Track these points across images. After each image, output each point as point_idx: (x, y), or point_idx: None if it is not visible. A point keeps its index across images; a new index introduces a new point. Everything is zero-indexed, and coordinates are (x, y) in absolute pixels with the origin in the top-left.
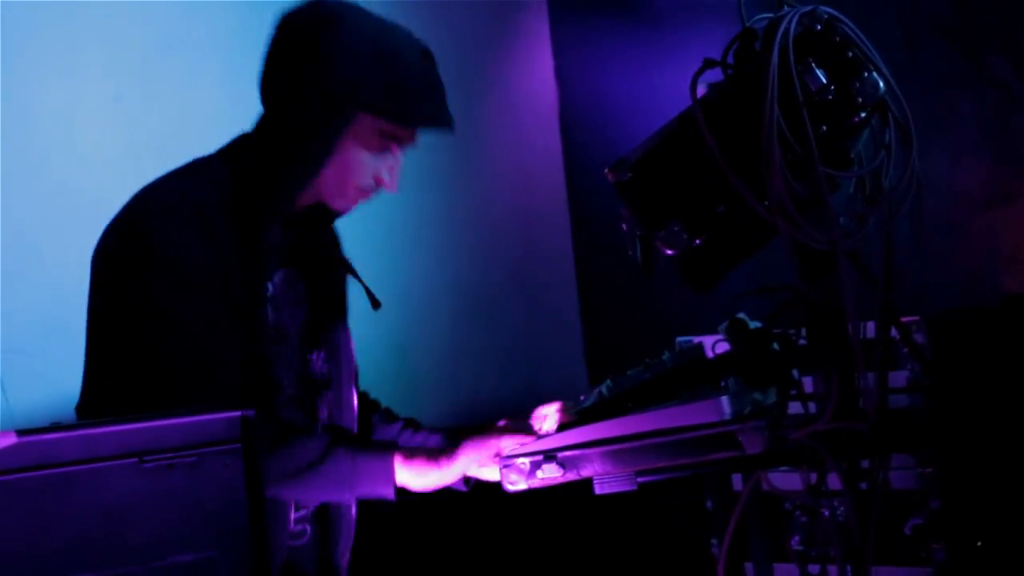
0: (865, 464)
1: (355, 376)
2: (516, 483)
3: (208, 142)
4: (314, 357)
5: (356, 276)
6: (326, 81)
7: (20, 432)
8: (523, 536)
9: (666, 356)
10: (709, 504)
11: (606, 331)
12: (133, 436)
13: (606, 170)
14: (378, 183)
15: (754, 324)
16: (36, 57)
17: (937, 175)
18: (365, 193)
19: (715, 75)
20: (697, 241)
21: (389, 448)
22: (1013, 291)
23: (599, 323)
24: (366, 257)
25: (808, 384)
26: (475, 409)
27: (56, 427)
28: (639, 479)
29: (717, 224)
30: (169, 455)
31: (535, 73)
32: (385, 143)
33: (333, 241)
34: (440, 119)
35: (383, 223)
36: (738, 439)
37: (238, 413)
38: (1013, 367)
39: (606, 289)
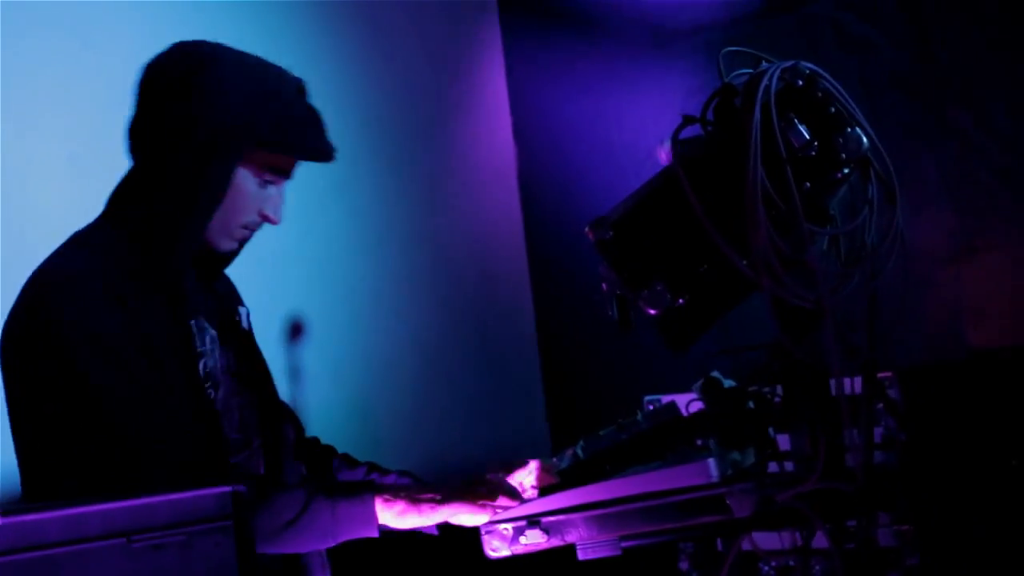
0: (850, 523)
1: (284, 415)
2: (499, 550)
3: None
4: (243, 400)
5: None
6: (213, 119)
7: (2, 512)
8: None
9: (640, 416)
10: (683, 565)
11: (568, 389)
12: (120, 515)
13: (586, 228)
14: (263, 219)
15: (728, 383)
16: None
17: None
18: (249, 231)
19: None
20: (680, 301)
21: (368, 490)
22: (978, 345)
23: (560, 381)
24: (326, 316)
25: (783, 442)
26: (438, 468)
27: (39, 506)
28: (623, 544)
29: (700, 283)
30: (158, 534)
31: (493, 129)
32: (268, 177)
33: (231, 291)
34: (325, 147)
35: (341, 283)
36: (726, 502)
37: (228, 488)
38: (982, 421)
39: (567, 347)
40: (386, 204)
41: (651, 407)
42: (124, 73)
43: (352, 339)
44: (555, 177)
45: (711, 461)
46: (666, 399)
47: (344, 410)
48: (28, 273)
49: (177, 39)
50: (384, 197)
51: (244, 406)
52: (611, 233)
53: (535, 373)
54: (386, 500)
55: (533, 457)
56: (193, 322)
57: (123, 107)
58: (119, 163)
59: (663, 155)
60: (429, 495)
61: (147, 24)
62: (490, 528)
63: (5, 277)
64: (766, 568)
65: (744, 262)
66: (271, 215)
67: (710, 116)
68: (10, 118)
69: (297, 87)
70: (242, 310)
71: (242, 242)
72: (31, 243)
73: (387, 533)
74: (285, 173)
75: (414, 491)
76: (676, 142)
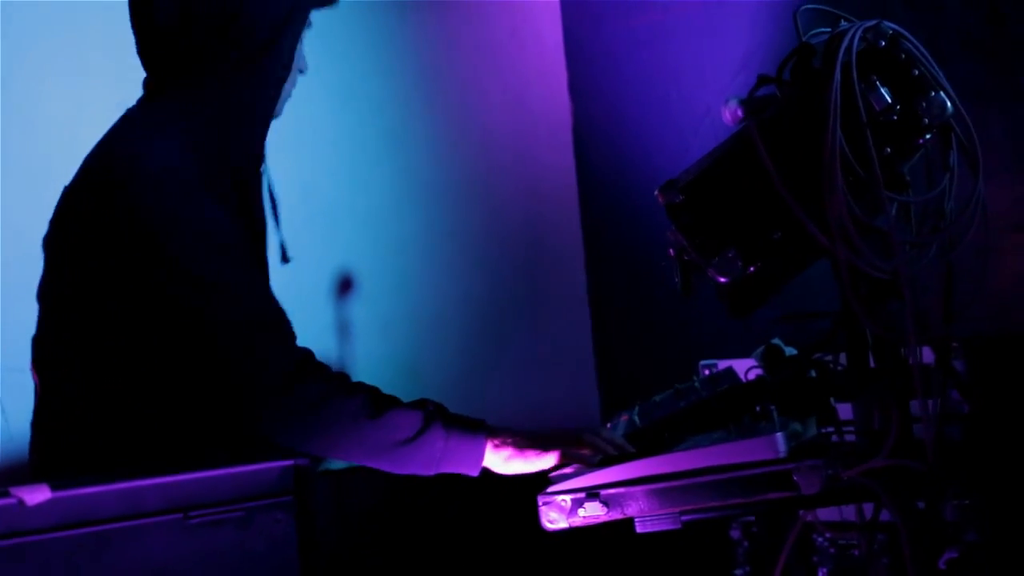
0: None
1: None
2: (556, 521)
3: None
4: None
5: (277, 221)
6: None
7: (54, 486)
8: (528, 550)
9: (696, 382)
10: (735, 534)
11: (618, 350)
12: (177, 489)
13: (656, 191)
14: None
15: (789, 350)
16: (38, 59)
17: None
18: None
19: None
20: (751, 269)
21: (483, 431)
22: None
23: (611, 342)
24: (375, 272)
25: (843, 412)
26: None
27: (93, 479)
28: (683, 518)
29: (772, 251)
30: (216, 510)
31: (548, 84)
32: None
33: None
34: None
35: (392, 238)
36: (793, 479)
37: (291, 462)
38: None
39: (619, 307)
40: (438, 160)
41: (707, 372)
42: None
43: (401, 295)
44: (610, 134)
45: (779, 435)
46: (722, 365)
47: (392, 366)
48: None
49: None
50: (436, 153)
51: None
52: (681, 197)
53: (586, 335)
54: (496, 445)
55: (582, 421)
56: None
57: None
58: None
59: (727, 115)
60: (535, 442)
61: None
62: (547, 499)
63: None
64: (821, 540)
65: (818, 230)
66: (304, 67)
67: (786, 76)
68: (56, 58)
69: None
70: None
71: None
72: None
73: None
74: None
75: (521, 437)
76: (752, 103)
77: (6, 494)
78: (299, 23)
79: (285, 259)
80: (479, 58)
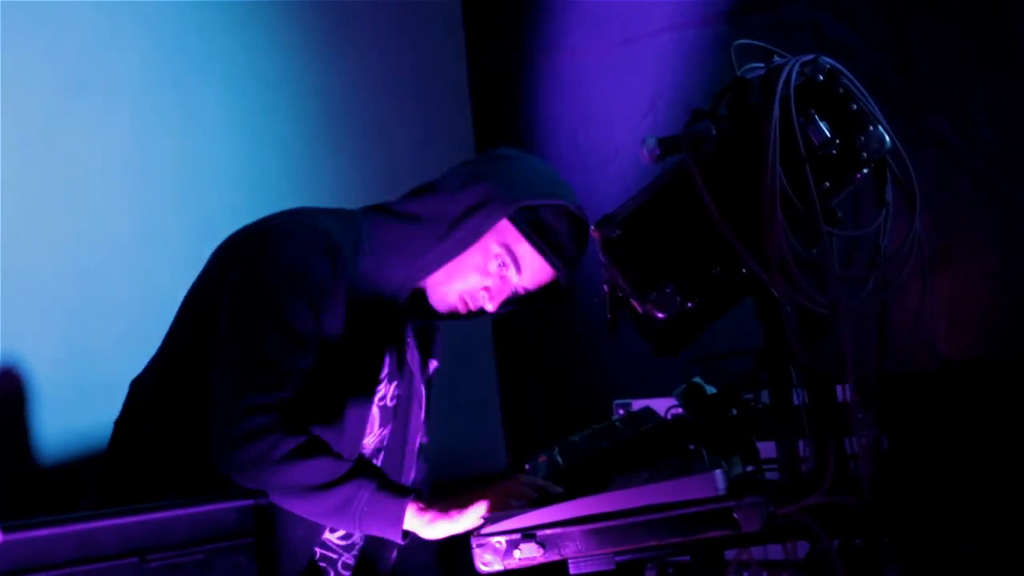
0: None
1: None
2: (491, 564)
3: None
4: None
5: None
6: (496, 181)
7: (6, 528)
8: None
9: (617, 422)
10: (650, 574)
11: (524, 392)
12: (135, 530)
13: (592, 226)
14: (483, 294)
15: (710, 389)
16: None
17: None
18: (466, 303)
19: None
20: (689, 304)
21: (407, 492)
22: (951, 354)
23: (516, 384)
24: None
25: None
26: None
27: (47, 522)
28: (618, 558)
29: (711, 286)
30: (174, 552)
31: (455, 123)
32: (503, 261)
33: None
34: (567, 272)
35: None
36: (734, 516)
37: (250, 502)
38: (957, 432)
39: (523, 348)
40: (345, 201)
41: (621, 412)
42: (83, 52)
43: None
44: None
45: (718, 473)
46: (636, 404)
47: None
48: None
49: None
50: (343, 194)
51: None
52: (619, 231)
53: (491, 376)
54: (420, 508)
55: (489, 464)
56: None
57: (81, 90)
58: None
59: (646, 154)
60: (456, 500)
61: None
62: (482, 541)
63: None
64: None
65: (758, 266)
66: (489, 297)
67: (722, 111)
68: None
69: (577, 206)
70: (432, 362)
71: (452, 313)
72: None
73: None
74: (517, 266)
75: (446, 499)
76: (688, 137)
77: None
78: (488, 222)
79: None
80: (385, 94)
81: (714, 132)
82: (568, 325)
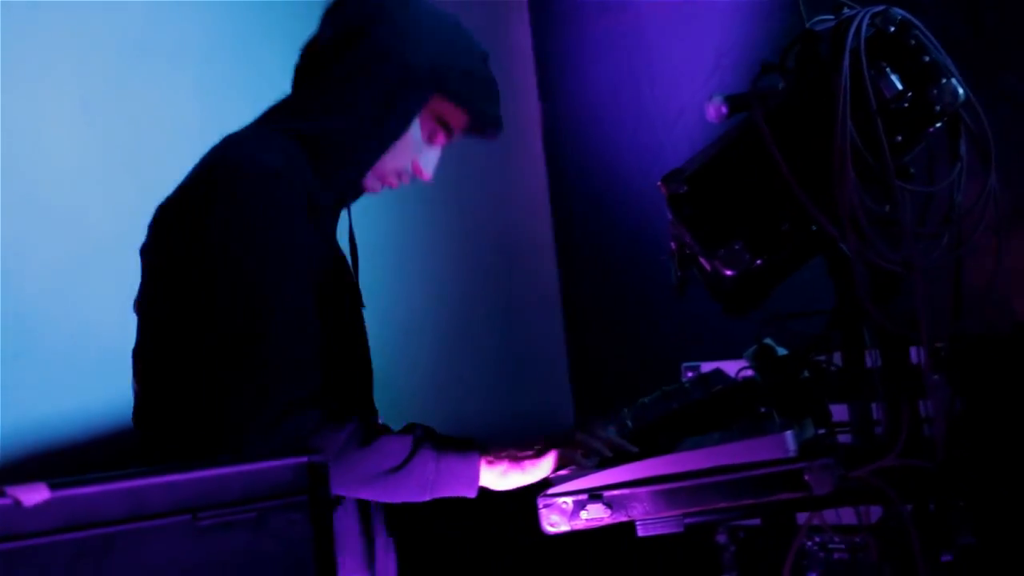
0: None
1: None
2: (557, 524)
3: (179, 148)
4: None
5: (354, 269)
6: (406, 56)
7: (53, 485)
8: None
9: (687, 384)
10: (721, 538)
11: (592, 354)
12: (185, 488)
13: (659, 182)
14: (415, 171)
15: (781, 351)
16: (3, 64)
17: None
18: (399, 180)
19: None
20: (758, 262)
21: (475, 449)
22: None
23: (584, 345)
24: None
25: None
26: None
27: (94, 479)
28: (687, 520)
29: (780, 243)
30: (226, 511)
31: (518, 85)
32: (436, 131)
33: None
34: (498, 118)
35: (362, 243)
36: (805, 479)
37: (304, 459)
38: None
39: (592, 310)
40: None
41: (690, 375)
42: (139, 16)
43: (371, 300)
44: (581, 135)
45: (789, 434)
46: (705, 367)
47: None
48: (31, 215)
49: None
50: None
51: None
52: (686, 187)
53: (559, 339)
54: (489, 461)
55: (556, 426)
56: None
57: (138, 53)
58: (132, 110)
59: (712, 111)
60: (528, 451)
61: None
62: (548, 501)
63: (7, 223)
64: (810, 544)
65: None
66: (424, 169)
67: (790, 65)
68: (21, 60)
69: (482, 54)
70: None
71: (384, 187)
72: (37, 186)
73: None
74: (451, 133)
75: (515, 448)
76: (756, 92)
77: (1, 493)
78: (417, 101)
79: (361, 304)
80: None
81: (782, 86)
82: (637, 286)
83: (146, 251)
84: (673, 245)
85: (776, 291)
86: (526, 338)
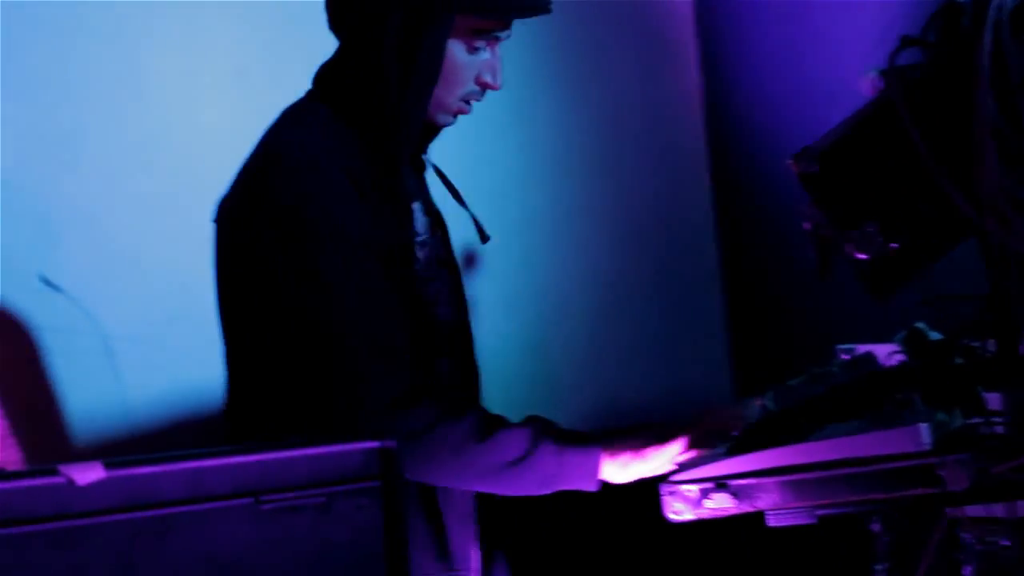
0: None
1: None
2: (681, 513)
3: None
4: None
5: (464, 204)
6: None
7: (108, 464)
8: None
9: (835, 366)
10: (875, 527)
11: (753, 334)
12: (248, 470)
13: (789, 160)
14: (483, 86)
15: (934, 335)
16: (156, 30)
17: None
18: (468, 101)
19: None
20: (893, 245)
21: (593, 441)
22: None
23: (745, 325)
24: (500, 248)
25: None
26: (614, 412)
27: (152, 459)
28: (818, 512)
29: (916, 226)
30: (292, 494)
31: (677, 55)
32: (477, 43)
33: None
34: (534, 3)
35: (517, 216)
36: (938, 474)
37: (376, 444)
38: None
39: (753, 289)
40: (564, 134)
41: (845, 357)
42: None
43: (527, 272)
44: (742, 107)
45: (923, 426)
46: (861, 349)
47: (517, 344)
48: (196, 185)
49: None
50: (562, 127)
51: (452, 299)
52: (817, 166)
53: (718, 316)
54: (611, 453)
55: (712, 403)
56: (415, 205)
57: (293, 23)
58: (287, 79)
59: (867, 86)
60: (652, 438)
61: None
62: (672, 489)
63: (172, 196)
64: (967, 536)
65: (969, 204)
66: (490, 81)
67: (931, 38)
68: (174, 29)
69: None
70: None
71: (458, 114)
72: (199, 155)
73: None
74: (495, 35)
75: (636, 438)
76: (893, 67)
77: (54, 472)
78: (440, 31)
79: (484, 238)
80: (605, 28)
81: (922, 60)
82: (799, 263)
83: (215, 232)
84: (807, 226)
85: (939, 270)
86: (683, 314)
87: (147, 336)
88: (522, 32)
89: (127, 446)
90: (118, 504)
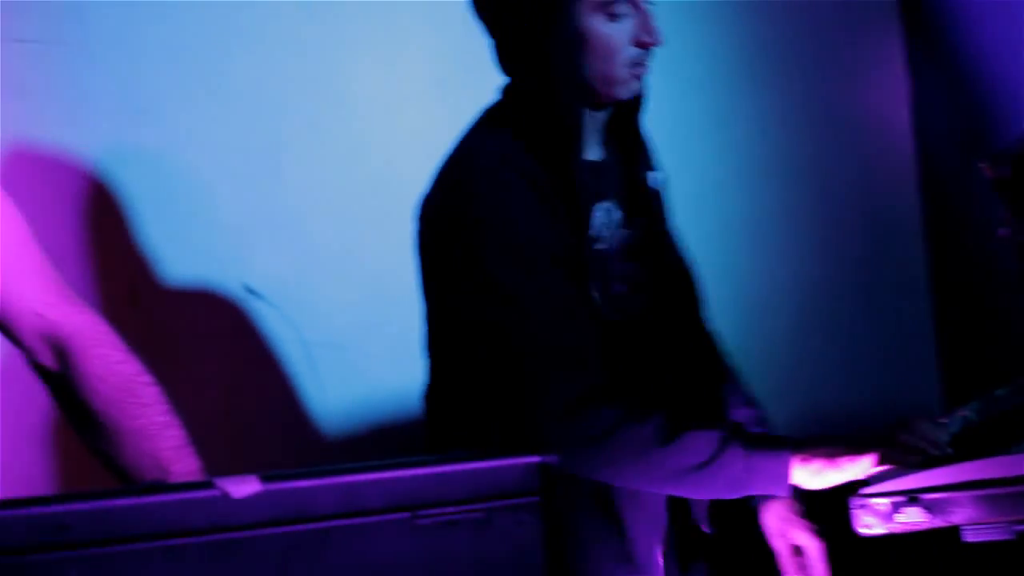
0: None
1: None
2: (872, 527)
3: None
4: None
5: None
6: None
7: (265, 478)
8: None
9: None
10: None
11: (963, 341)
12: (404, 485)
13: (982, 163)
14: (641, 46)
15: None
16: (356, 39)
17: None
18: (637, 65)
19: None
20: None
21: (784, 446)
22: None
23: (954, 331)
24: (700, 255)
25: None
26: (817, 420)
27: (308, 473)
28: (1016, 527)
29: None
30: (450, 509)
31: (882, 54)
32: (616, 7)
33: (640, 144)
34: None
35: (717, 219)
36: None
37: (536, 459)
38: None
39: (963, 293)
40: (765, 137)
41: None
42: None
43: (728, 279)
44: (952, 107)
45: None
46: None
47: None
48: (395, 194)
49: None
50: (765, 131)
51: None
52: (1011, 170)
53: (926, 324)
54: (803, 459)
55: (920, 414)
56: (602, 204)
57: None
58: (486, 88)
59: None
60: (847, 448)
61: None
62: (863, 502)
63: (371, 205)
64: None
65: None
66: (646, 38)
67: None
68: (375, 41)
69: None
70: (652, 175)
71: (639, 77)
72: (398, 164)
73: None
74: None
75: (830, 446)
76: None
77: (211, 485)
78: (571, 3)
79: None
80: (806, 28)
81: None
82: (1013, 269)
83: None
84: (1001, 232)
85: None
86: (889, 322)
87: (347, 343)
88: (721, 34)
89: (331, 452)
90: (273, 517)
